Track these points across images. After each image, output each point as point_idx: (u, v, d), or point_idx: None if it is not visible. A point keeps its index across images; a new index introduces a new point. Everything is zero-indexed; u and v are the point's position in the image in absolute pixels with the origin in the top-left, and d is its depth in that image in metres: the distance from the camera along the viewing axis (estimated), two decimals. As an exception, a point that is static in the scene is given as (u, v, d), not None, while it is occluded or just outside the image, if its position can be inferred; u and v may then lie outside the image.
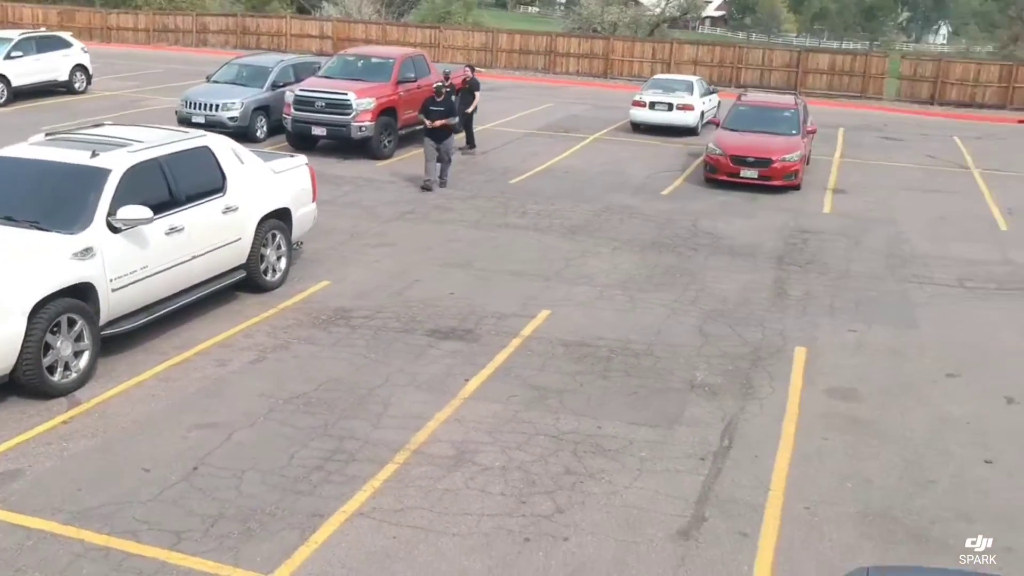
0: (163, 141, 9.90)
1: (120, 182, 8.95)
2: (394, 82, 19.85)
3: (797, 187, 17.80)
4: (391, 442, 7.65)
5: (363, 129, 18.83)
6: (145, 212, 8.83)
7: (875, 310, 11.40)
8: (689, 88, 24.39)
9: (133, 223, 8.84)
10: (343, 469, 7.22)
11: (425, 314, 10.62)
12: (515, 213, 15.46)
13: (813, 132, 19.18)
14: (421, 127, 17.46)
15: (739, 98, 20.26)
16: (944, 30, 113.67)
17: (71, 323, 8.24)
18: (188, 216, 9.70)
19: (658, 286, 11.99)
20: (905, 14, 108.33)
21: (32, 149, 9.40)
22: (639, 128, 24.19)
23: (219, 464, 7.20)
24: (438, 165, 16.85)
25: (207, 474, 7.06)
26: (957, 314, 11.40)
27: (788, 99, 20.49)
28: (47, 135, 10.07)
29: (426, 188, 16.54)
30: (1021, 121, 32.42)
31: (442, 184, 16.83)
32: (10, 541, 6.12)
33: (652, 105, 23.71)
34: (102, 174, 8.94)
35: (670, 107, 23.57)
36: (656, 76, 26.24)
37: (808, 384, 9.13)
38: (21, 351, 7.77)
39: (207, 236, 9.96)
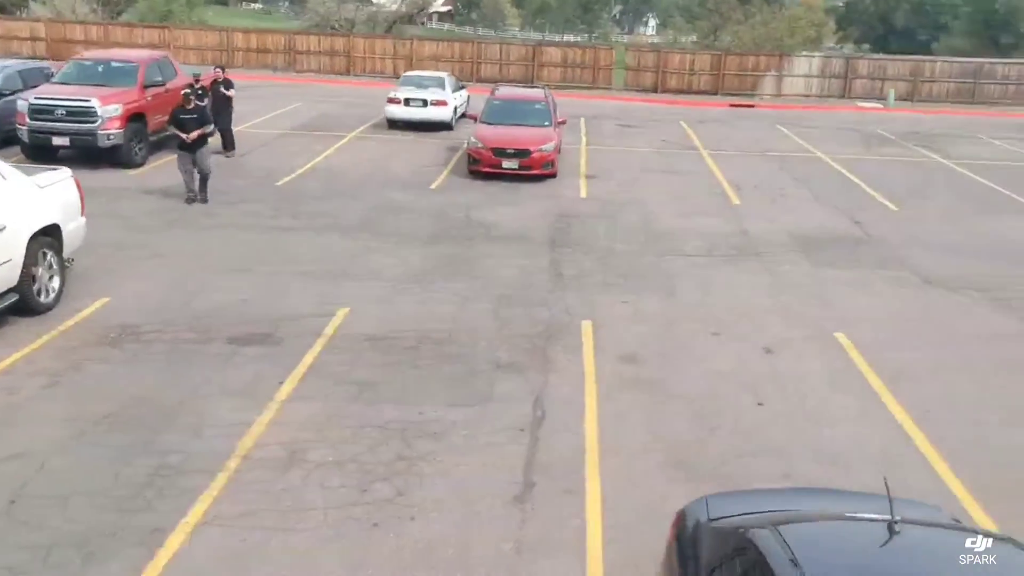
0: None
1: None
2: (140, 86, 19.02)
3: (554, 175, 18.91)
4: (217, 451, 7.60)
5: (111, 137, 17.91)
6: None
7: (641, 282, 12.52)
8: (441, 84, 25.07)
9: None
10: (174, 482, 7.11)
11: (220, 322, 10.46)
12: (288, 215, 15.38)
13: (563, 123, 20.43)
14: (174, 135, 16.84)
15: (492, 93, 21.13)
16: (653, 22, 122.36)
17: None
18: (-49, 239, 9.02)
19: (447, 276, 12.47)
20: (618, 7, 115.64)
21: None
22: (395, 125, 24.57)
23: (38, 494, 6.87)
24: (197, 176, 15.90)
25: (27, 506, 6.72)
26: (710, 280, 12.76)
27: (538, 92, 21.68)
28: None
29: (191, 200, 15.74)
30: (732, 105, 36.05)
31: (203, 200, 15.81)
32: None
33: (407, 102, 24.15)
34: None
35: (425, 103, 24.13)
36: (407, 73, 26.69)
37: (599, 353, 9.96)
38: None
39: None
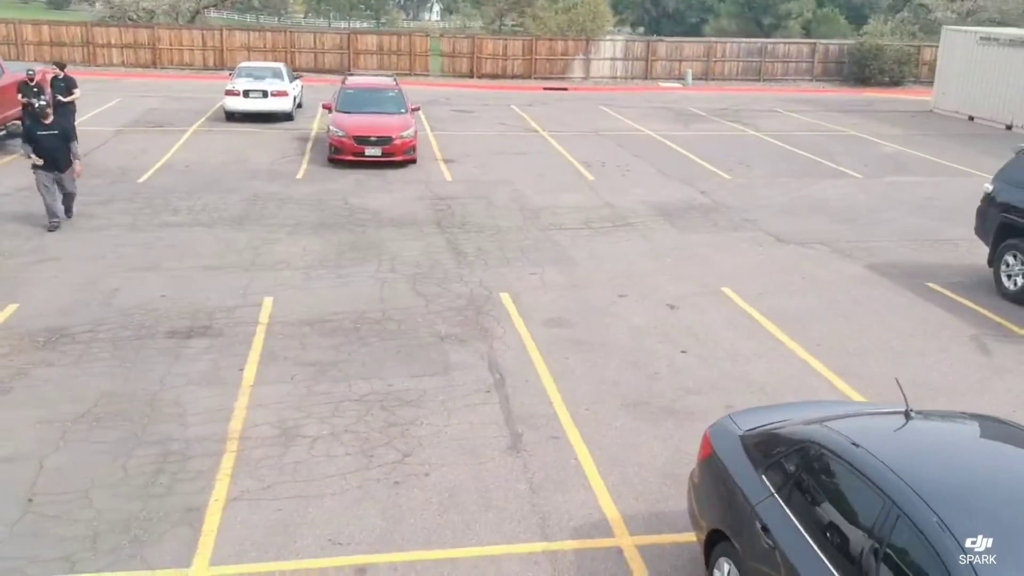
0: None
1: None
2: (-32, 84, 17.93)
3: (414, 161, 19.51)
4: (212, 435, 7.89)
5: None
6: None
7: (538, 255, 13.47)
8: (278, 75, 24.97)
9: None
10: (184, 467, 7.38)
11: (151, 319, 10.51)
12: (166, 211, 15.22)
13: (416, 109, 21.01)
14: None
15: (344, 82, 21.38)
16: (437, 7, 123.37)
17: None
18: None
19: (354, 261, 12.92)
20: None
21: None
22: (234, 117, 24.26)
23: (54, 491, 6.96)
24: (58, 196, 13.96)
25: (49, 502, 6.82)
26: (597, 249, 13.90)
27: (388, 80, 22.15)
28: None
29: (53, 228, 13.71)
30: (545, 88, 37.71)
31: (68, 215, 14.25)
32: None
33: (247, 93, 23.91)
34: None
35: (265, 94, 23.98)
36: (242, 64, 26.27)
37: (527, 320, 10.83)
38: None
39: None
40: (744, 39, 46.50)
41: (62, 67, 19.39)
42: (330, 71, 38.51)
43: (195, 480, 7.19)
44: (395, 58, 40.27)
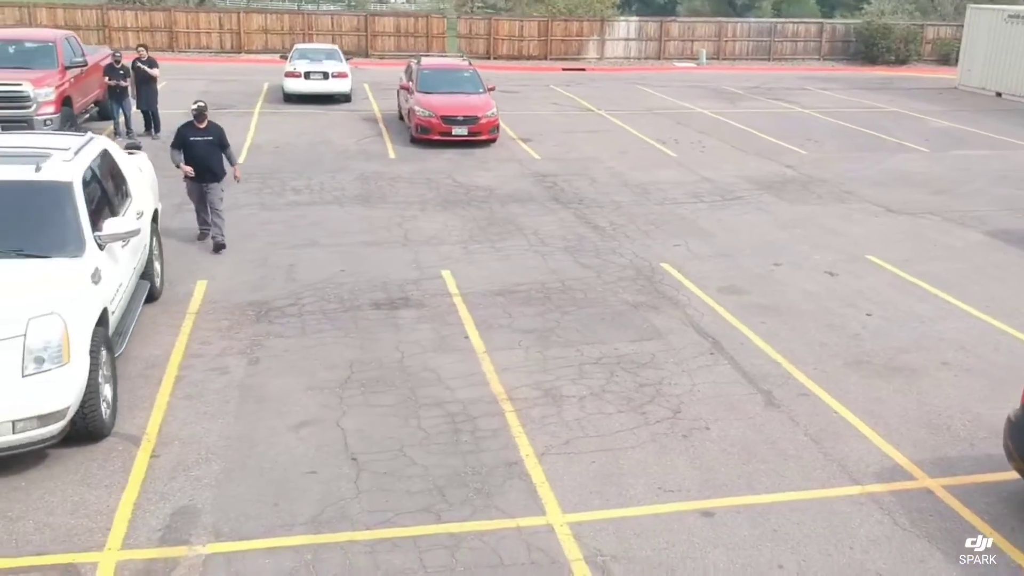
0: (70, 146, 8.80)
1: (82, 195, 8.01)
2: (62, 67, 17.92)
3: (495, 140, 19.79)
4: (482, 397, 8.23)
5: (48, 123, 16.86)
6: (131, 224, 8.07)
7: (673, 228, 13.89)
8: (334, 56, 25.09)
9: (117, 238, 8.01)
10: (477, 425, 7.73)
11: (346, 292, 10.78)
12: (287, 191, 15.42)
13: (492, 89, 21.26)
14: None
15: (418, 63, 21.55)
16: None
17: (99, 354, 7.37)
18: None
19: (500, 235, 13.24)
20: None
21: None
22: (292, 98, 24.32)
23: (369, 451, 7.27)
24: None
25: (373, 459, 7.13)
26: (724, 221, 14.35)
27: (462, 61, 22.37)
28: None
29: (217, 244, 12.01)
30: (564, 69, 38.00)
31: (217, 240, 12.00)
32: (282, 562, 5.90)
33: (308, 75, 23.99)
34: (65, 188, 7.91)
35: (326, 76, 24.08)
36: (298, 46, 26.29)
37: (702, 288, 11.25)
38: (84, 390, 6.91)
39: (135, 245, 9.14)
40: (753, 19, 47.01)
41: (146, 49, 19.37)
42: (348, 53, 38.41)
43: (495, 438, 7.53)
44: (412, 40, 40.29)
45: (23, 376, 6.45)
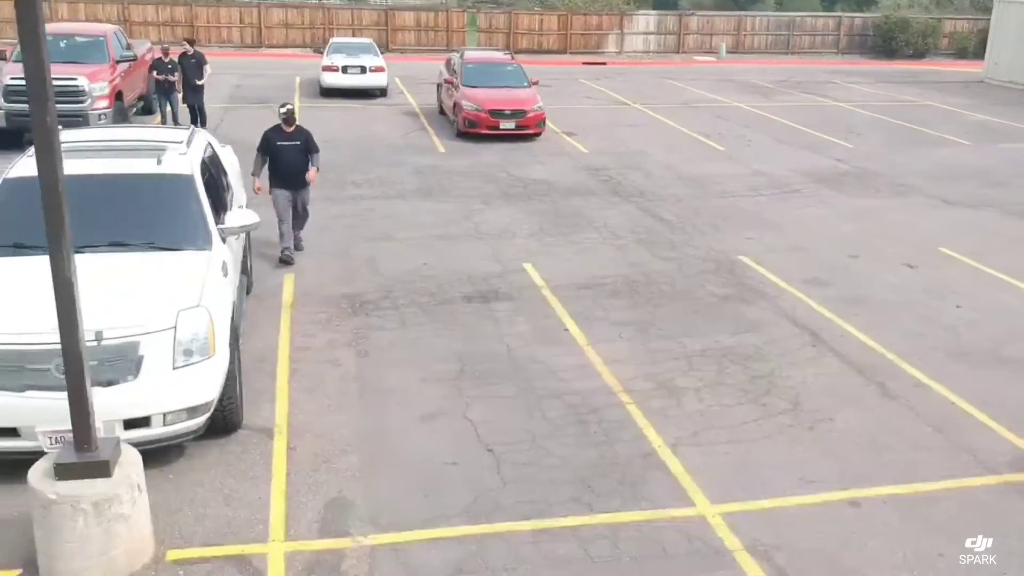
0: (180, 139, 8.82)
1: (202, 187, 8.03)
2: (113, 61, 17.92)
3: (541, 134, 19.79)
4: (599, 388, 8.26)
5: (103, 117, 16.85)
6: (251, 216, 8.08)
7: (740, 220, 13.92)
8: (370, 50, 25.08)
9: (238, 230, 8.04)
10: (602, 417, 7.75)
11: (434, 285, 10.80)
12: (349, 185, 15.44)
13: (536, 83, 21.26)
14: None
15: (461, 56, 21.53)
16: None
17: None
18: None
19: (571, 229, 13.26)
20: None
21: (81, 164, 7.83)
22: (330, 92, 24.31)
23: (504, 441, 7.30)
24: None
25: (509, 450, 7.16)
26: (789, 214, 14.37)
27: (504, 55, 22.38)
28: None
29: (286, 261, 11.31)
30: (585, 63, 37.95)
31: (299, 247, 11.71)
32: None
33: (345, 69, 23.97)
34: (187, 180, 7.94)
35: (363, 70, 24.07)
36: (333, 40, 26.26)
37: (787, 280, 11.28)
38: (225, 382, 6.93)
39: (240, 240, 9.15)
40: (772, 13, 46.99)
41: (192, 43, 19.32)
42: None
43: (623, 429, 7.57)
44: (433, 34, 40.29)
45: (173, 369, 6.47)
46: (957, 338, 9.65)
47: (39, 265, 6.38)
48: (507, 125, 19.11)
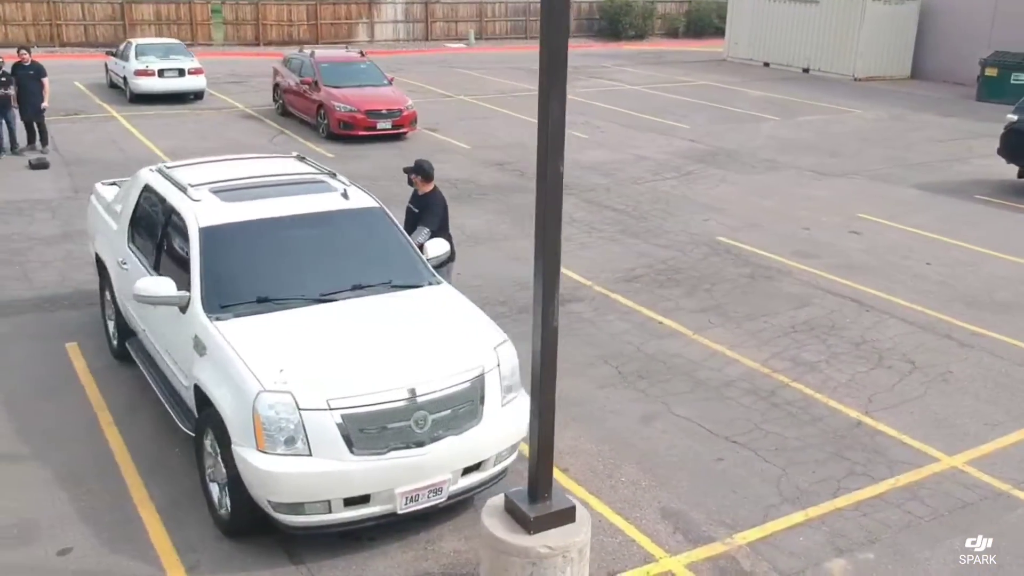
0: (314, 170, 8.33)
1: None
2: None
3: (414, 131, 19.74)
4: (750, 373, 8.99)
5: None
6: (445, 246, 7.90)
7: (679, 204, 15.04)
8: (181, 51, 23.42)
9: (440, 260, 7.85)
10: (783, 398, 8.51)
11: (494, 293, 10.87)
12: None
13: (392, 80, 21.06)
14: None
15: (312, 56, 20.74)
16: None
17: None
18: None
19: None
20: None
21: (259, 206, 7.18)
22: (142, 98, 22.42)
23: (730, 432, 7.82)
24: None
25: (749, 439, 7.68)
26: (712, 194, 15.71)
27: (354, 53, 21.82)
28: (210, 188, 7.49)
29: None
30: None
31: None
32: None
33: (162, 73, 22.19)
34: (380, 212, 7.62)
35: (181, 73, 22.43)
36: (136, 42, 23.83)
37: (779, 255, 12.58)
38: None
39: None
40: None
41: (27, 51, 17.06)
42: (104, 45, 35.20)
43: (812, 406, 8.37)
44: (175, 28, 37.81)
45: (502, 406, 6.35)
46: (955, 290, 11.42)
47: (318, 317, 6.04)
48: (384, 125, 18.90)
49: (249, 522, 5.94)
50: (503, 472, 6.54)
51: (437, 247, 7.73)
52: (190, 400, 6.55)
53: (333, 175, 8.07)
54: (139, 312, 7.45)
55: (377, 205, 7.60)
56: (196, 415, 6.51)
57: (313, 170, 8.13)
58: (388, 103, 19.06)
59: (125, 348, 8.31)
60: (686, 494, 6.88)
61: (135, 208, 8.06)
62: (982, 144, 19.89)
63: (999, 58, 26.67)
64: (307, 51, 21.30)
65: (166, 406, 7.07)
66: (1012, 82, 25.87)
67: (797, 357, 9.34)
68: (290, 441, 5.60)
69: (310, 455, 5.62)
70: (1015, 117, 16.06)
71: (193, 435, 6.55)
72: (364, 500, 5.81)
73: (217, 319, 6.35)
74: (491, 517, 5.37)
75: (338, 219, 7.32)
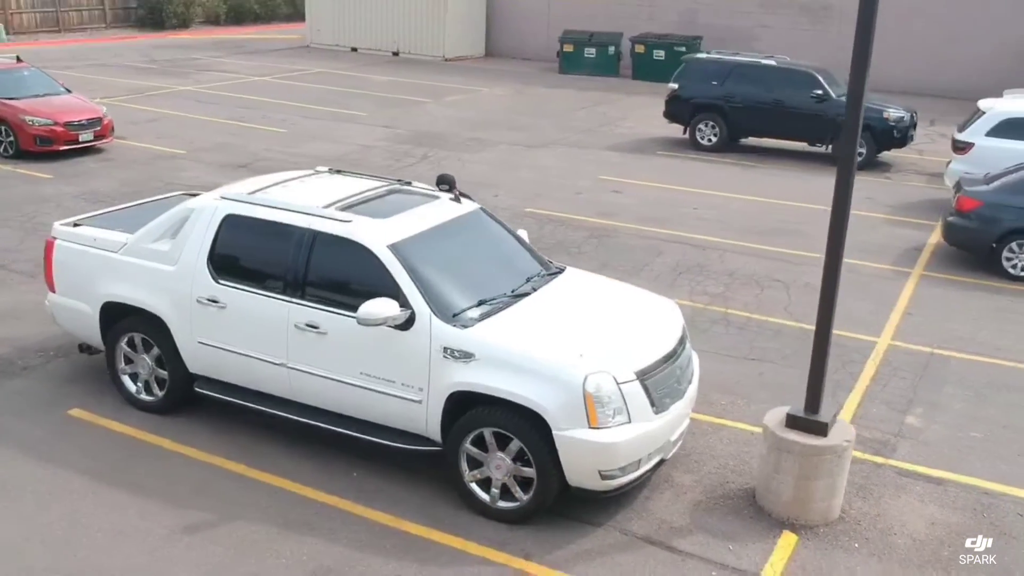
0: (386, 182, 8.53)
1: (491, 217, 8.51)
2: None
3: (112, 141, 18.16)
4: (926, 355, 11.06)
5: None
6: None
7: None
8: None
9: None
10: (971, 378, 10.67)
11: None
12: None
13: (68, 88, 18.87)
14: None
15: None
16: None
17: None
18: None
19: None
20: None
21: (423, 214, 7.52)
22: None
23: (979, 416, 8.56)
24: None
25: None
26: (467, 172, 17.17)
27: (6, 60, 18.89)
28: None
29: None
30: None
31: None
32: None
33: None
34: (488, 213, 8.31)
35: None
36: None
37: (745, 242, 14.69)
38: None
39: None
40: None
41: None
42: None
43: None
44: None
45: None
46: (749, 225, 14.40)
47: (538, 309, 7.06)
48: (87, 137, 17.23)
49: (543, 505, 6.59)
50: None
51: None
52: (432, 411, 6.70)
53: (408, 183, 8.29)
54: (294, 342, 7.13)
55: (479, 207, 8.11)
56: (440, 425, 6.72)
57: (386, 183, 8.24)
58: (84, 113, 17.33)
59: (194, 393, 7.80)
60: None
61: (214, 242, 7.56)
62: (610, 110, 23.88)
63: (569, 36, 31.33)
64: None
65: (358, 436, 7.07)
66: (585, 56, 30.70)
67: (707, 291, 11.49)
68: (618, 412, 6.35)
69: (629, 422, 6.43)
70: (675, 85, 19.83)
71: (440, 447, 6.77)
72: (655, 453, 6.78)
73: (464, 326, 6.65)
74: (787, 434, 6.70)
75: (471, 222, 7.76)
